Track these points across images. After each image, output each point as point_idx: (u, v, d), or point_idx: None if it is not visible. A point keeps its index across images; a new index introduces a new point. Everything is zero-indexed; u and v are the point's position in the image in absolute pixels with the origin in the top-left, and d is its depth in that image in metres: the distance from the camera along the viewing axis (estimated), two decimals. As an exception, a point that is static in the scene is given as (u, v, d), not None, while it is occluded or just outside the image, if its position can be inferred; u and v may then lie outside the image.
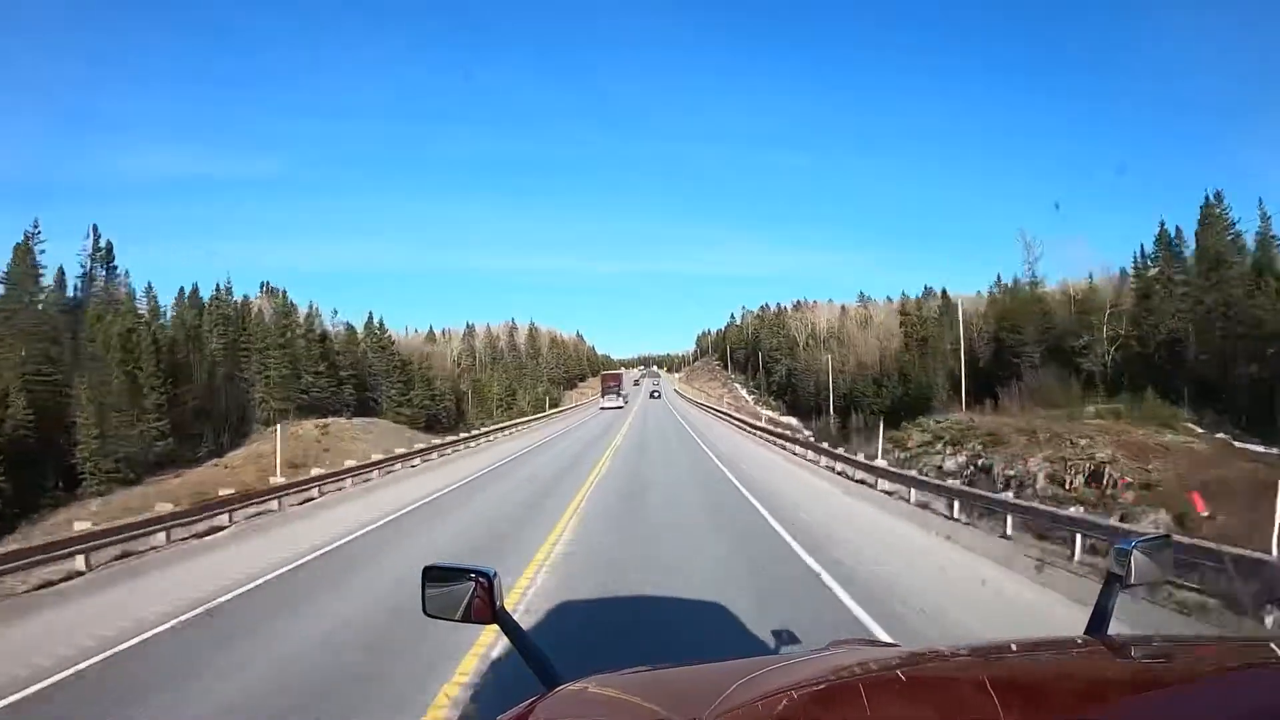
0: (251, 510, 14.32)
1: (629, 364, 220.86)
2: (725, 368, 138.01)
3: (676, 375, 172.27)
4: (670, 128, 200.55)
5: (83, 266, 47.41)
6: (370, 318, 67.90)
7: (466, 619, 1.47)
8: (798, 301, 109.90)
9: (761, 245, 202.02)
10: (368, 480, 19.98)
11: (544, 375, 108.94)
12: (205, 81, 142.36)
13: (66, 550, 9.67)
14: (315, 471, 19.23)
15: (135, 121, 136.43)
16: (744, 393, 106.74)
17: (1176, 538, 5.90)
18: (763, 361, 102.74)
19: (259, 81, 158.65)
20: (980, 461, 26.02)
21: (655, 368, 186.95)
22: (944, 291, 66.18)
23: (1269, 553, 7.45)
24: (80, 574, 9.52)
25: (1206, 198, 44.28)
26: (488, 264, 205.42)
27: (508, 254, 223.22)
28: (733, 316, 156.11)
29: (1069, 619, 6.66)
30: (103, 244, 48.70)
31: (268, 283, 65.64)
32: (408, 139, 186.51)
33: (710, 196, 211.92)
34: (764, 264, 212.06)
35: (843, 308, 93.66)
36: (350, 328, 66.92)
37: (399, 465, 23.03)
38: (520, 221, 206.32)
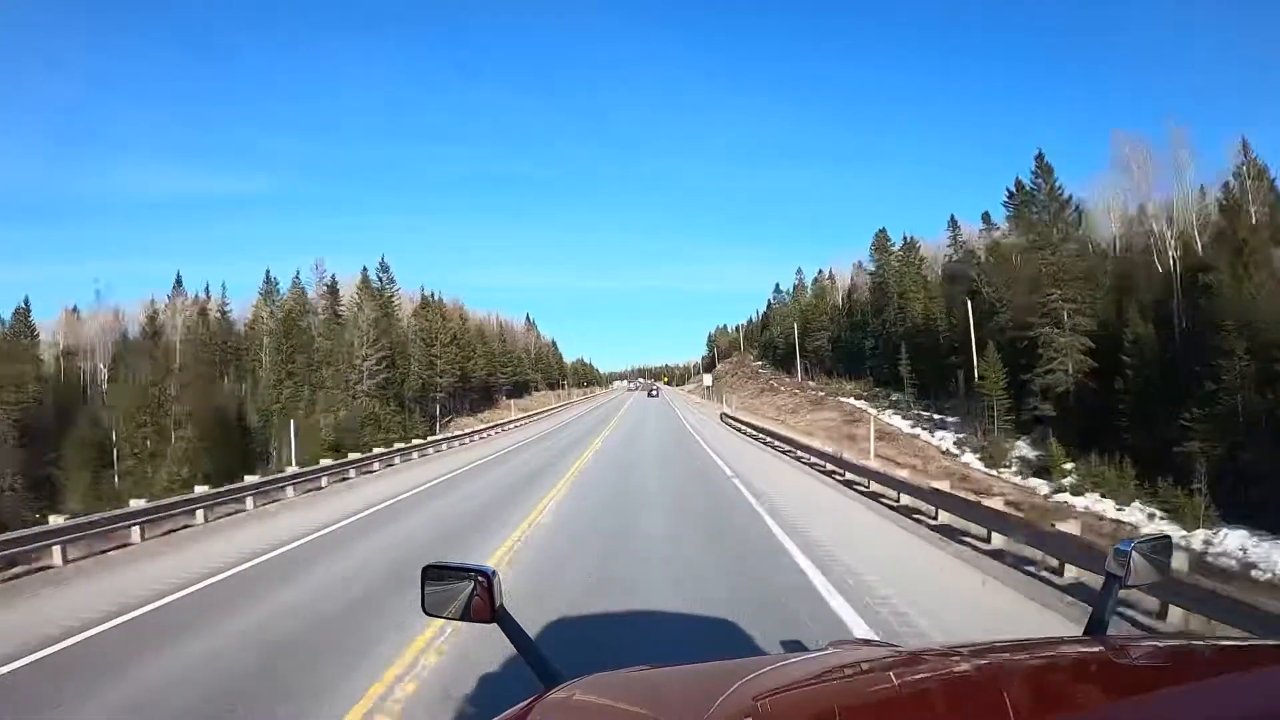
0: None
1: (619, 376, 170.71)
2: (788, 370, 76.81)
3: (687, 388, 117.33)
4: (663, 143, 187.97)
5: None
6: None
7: (466, 618, 1.42)
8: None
9: (756, 257, 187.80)
10: None
11: (364, 385, 44.96)
12: (195, 100, 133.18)
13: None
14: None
15: (125, 139, 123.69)
16: (901, 422, 44.92)
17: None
18: (979, 351, 39.95)
19: (250, 99, 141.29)
20: None
21: (644, 379, 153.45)
22: None
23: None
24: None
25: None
26: (480, 277, 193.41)
27: (498, 267, 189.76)
28: (778, 287, 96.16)
29: None
30: None
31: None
32: (401, 157, 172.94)
33: (701, 210, 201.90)
34: (760, 277, 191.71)
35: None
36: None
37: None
38: (508, 236, 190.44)
